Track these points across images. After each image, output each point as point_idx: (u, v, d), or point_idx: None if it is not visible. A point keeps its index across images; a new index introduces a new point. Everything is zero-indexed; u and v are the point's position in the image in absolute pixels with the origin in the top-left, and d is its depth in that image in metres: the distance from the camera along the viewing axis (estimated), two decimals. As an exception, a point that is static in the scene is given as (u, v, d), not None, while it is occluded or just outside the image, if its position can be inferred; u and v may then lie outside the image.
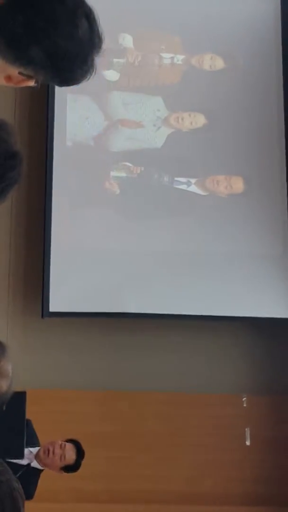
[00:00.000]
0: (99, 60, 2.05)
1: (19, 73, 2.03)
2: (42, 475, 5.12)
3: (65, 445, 5.04)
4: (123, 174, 6.81)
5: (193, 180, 6.81)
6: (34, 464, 5.06)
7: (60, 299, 6.53)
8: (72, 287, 6.55)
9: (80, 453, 5.06)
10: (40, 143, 6.78)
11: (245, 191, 6.84)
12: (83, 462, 5.09)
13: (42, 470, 5.09)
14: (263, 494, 6.57)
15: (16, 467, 4.83)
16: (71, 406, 6.56)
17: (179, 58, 6.93)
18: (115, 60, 6.83)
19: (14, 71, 2.03)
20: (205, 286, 6.59)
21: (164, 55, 6.89)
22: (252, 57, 6.94)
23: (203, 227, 6.75)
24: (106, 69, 6.76)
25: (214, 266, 6.64)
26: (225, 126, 6.89)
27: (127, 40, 6.89)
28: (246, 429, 6.66)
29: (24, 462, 5.01)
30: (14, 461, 4.92)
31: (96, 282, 6.57)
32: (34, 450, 5.08)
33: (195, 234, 6.75)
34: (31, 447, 5.08)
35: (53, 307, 6.52)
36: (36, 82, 2.09)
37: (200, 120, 6.86)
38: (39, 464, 5.06)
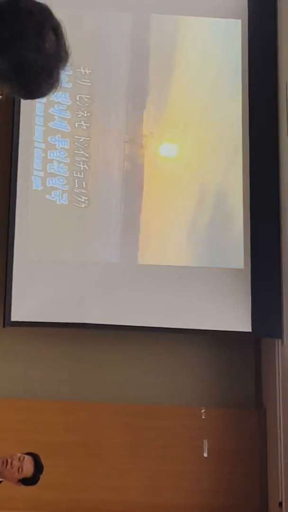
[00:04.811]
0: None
1: None
2: (0, 485, 5.11)
3: (24, 457, 5.03)
4: (86, 186, 6.84)
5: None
6: (-8, 474, 5.06)
7: (22, 308, 6.53)
8: (34, 296, 6.54)
9: (38, 466, 5.07)
10: (4, 150, 6.81)
11: (205, 203, 6.88)
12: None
13: (1, 481, 5.08)
14: (220, 505, 6.60)
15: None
16: (32, 416, 6.55)
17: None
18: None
19: None
20: (166, 299, 6.61)
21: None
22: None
23: (165, 240, 6.79)
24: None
25: (175, 279, 6.67)
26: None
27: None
28: (204, 441, 6.69)
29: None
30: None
31: (59, 292, 6.58)
32: (-7, 461, 5.08)
33: (157, 247, 6.78)
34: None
35: (15, 316, 6.51)
36: (1, 94, 2.08)
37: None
38: (-2, 475, 5.07)
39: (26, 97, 2.11)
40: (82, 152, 6.84)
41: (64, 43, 2.06)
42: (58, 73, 2.05)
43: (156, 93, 6.98)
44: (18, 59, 1.99)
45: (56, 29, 2.05)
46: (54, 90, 2.07)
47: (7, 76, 2.01)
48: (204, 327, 6.62)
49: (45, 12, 2.05)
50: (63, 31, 2.06)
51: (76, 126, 6.88)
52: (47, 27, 2.03)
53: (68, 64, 2.06)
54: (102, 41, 7.02)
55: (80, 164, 6.83)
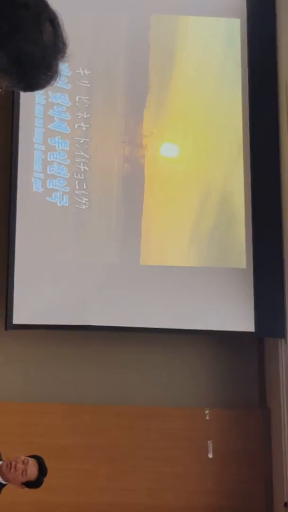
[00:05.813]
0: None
1: None
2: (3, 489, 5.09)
3: (28, 460, 5.02)
4: (87, 187, 6.82)
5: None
6: (-3, 477, 5.05)
7: (24, 311, 6.51)
8: (36, 299, 6.53)
9: (42, 469, 5.04)
10: (4, 152, 6.80)
11: (207, 203, 6.86)
12: (45, 474, 5.08)
13: (5, 484, 5.06)
14: (225, 507, 6.58)
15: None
16: (34, 419, 6.54)
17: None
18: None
19: None
20: (168, 300, 6.60)
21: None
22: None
23: (167, 240, 6.77)
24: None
25: (177, 279, 6.65)
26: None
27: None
28: (208, 442, 6.68)
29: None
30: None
31: (60, 294, 6.57)
32: (-2, 464, 5.07)
33: (158, 248, 6.76)
34: (-6, 461, 5.07)
35: (17, 319, 6.49)
36: (1, 88, 2.07)
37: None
38: (1, 478, 5.04)
39: (25, 90, 2.10)
40: (82, 154, 6.82)
41: (62, 34, 2.04)
42: (57, 65, 2.04)
43: (156, 92, 6.97)
44: (16, 52, 1.97)
45: (53, 20, 2.03)
46: (53, 82, 2.05)
47: (5, 70, 1.99)
48: (206, 328, 6.62)
49: (41, 4, 2.04)
50: (60, 22, 2.04)
51: (76, 127, 6.87)
52: (43, 19, 2.01)
53: (66, 55, 2.04)
54: (101, 42, 7.02)
55: (80, 166, 6.82)
